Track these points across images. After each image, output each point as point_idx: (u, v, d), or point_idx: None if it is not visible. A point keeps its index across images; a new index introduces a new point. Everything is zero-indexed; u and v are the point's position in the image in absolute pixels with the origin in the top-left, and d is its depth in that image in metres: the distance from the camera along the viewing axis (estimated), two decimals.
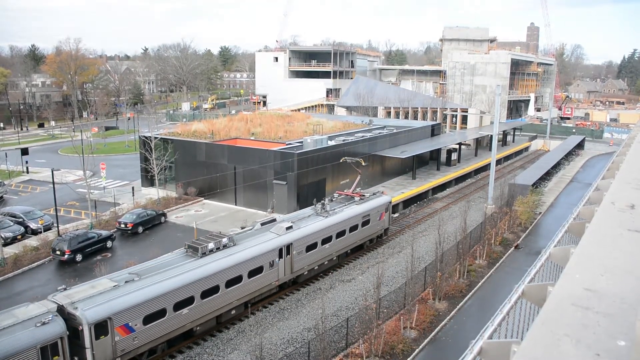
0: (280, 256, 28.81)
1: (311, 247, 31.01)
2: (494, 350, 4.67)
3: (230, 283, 25.87)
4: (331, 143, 48.20)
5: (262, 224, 30.59)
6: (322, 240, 31.82)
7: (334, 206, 34.88)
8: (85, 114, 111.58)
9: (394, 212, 48.85)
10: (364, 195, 37.20)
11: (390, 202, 39.15)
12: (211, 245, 25.86)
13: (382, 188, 53.08)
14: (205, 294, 24.62)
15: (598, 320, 3.35)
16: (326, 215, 32.80)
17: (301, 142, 47.18)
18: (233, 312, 26.84)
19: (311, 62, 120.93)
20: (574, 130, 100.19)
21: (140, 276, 22.86)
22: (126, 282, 22.20)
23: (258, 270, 27.38)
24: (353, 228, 34.58)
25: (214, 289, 25.12)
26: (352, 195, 37.34)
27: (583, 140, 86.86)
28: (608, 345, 3.03)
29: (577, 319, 3.37)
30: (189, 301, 23.76)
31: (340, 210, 34.18)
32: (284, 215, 34.90)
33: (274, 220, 31.39)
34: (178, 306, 23.20)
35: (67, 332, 19.14)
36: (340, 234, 33.43)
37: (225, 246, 26.51)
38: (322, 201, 34.68)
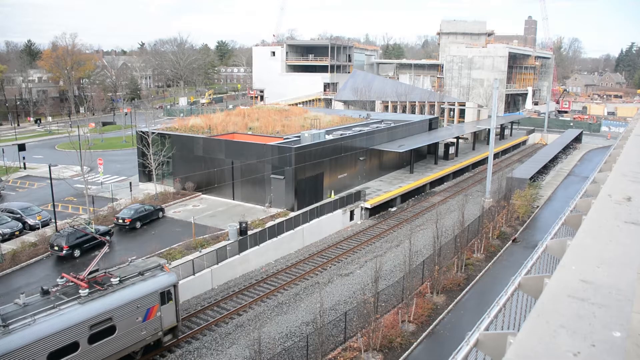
0: None
1: None
2: (490, 341, 4.69)
3: None
4: (329, 137, 48.17)
5: None
6: None
7: (39, 307, 19.97)
8: (82, 110, 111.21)
9: (391, 207, 48.93)
10: (109, 279, 22.57)
11: (174, 285, 24.42)
12: None
13: (379, 182, 53.22)
14: None
15: (594, 311, 3.36)
16: None
17: (299, 136, 47.13)
18: None
19: (308, 56, 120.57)
20: (571, 124, 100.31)
21: None
22: None
23: None
24: (62, 352, 19.57)
25: None
26: (80, 283, 21.75)
27: (581, 134, 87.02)
28: (604, 336, 3.04)
29: (573, 310, 3.38)
30: None
31: (28, 324, 18.92)
32: None
33: None
34: None
35: None
36: None
37: None
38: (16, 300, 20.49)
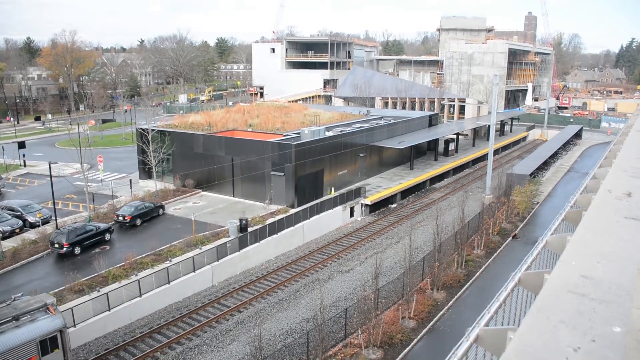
0: None
1: None
2: (491, 337, 4.69)
3: None
4: (329, 134, 48.12)
5: None
6: None
7: None
8: (81, 107, 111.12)
9: (391, 203, 48.94)
10: None
11: (61, 330, 20.63)
12: None
13: (379, 179, 53.20)
14: None
15: (594, 306, 3.36)
16: None
17: (299, 133, 47.10)
18: None
19: (308, 52, 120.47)
20: (571, 120, 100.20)
21: None
22: None
23: None
24: None
25: None
26: None
27: (581, 130, 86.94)
28: (603, 332, 3.04)
29: (573, 306, 3.38)
30: None
31: None
32: None
33: None
34: None
35: None
36: None
37: None
38: None
